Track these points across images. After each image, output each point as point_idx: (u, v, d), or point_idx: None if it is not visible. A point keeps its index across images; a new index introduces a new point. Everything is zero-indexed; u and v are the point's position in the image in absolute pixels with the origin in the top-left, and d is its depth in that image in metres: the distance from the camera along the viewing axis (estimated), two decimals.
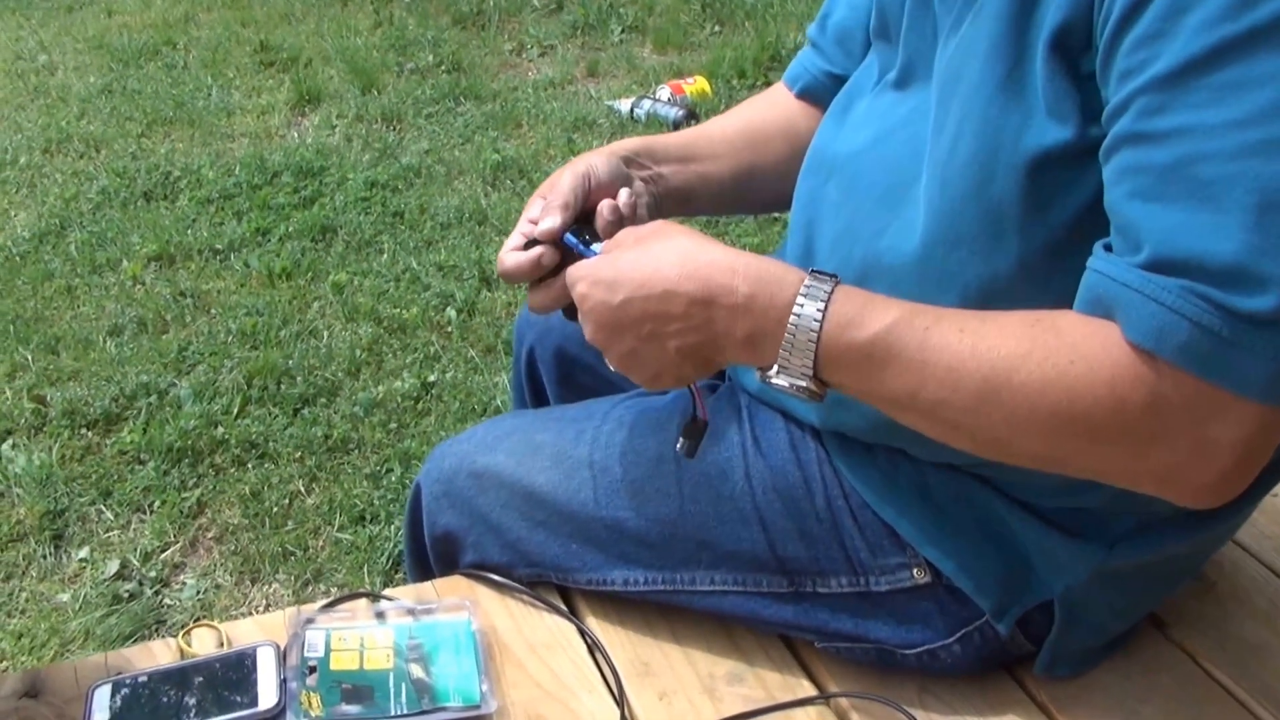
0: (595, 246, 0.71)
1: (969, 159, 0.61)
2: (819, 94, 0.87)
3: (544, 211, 0.73)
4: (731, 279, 0.61)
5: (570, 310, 0.72)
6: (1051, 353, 0.55)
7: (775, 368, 0.60)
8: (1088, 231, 0.58)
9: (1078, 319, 0.56)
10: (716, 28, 3.44)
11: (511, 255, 0.73)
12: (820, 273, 0.60)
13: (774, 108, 0.89)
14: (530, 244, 0.73)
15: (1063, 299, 0.58)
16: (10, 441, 1.70)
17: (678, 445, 0.71)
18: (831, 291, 0.59)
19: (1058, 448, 0.56)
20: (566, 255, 0.72)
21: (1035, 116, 0.58)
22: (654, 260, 0.63)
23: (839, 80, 0.82)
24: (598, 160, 0.77)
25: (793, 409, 0.77)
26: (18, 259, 2.21)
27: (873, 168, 0.69)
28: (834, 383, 0.60)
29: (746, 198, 0.89)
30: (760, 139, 0.87)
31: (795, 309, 0.59)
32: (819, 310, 0.58)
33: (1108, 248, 0.56)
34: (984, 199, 0.60)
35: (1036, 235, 0.60)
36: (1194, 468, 0.54)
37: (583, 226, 0.73)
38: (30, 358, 1.90)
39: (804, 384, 0.60)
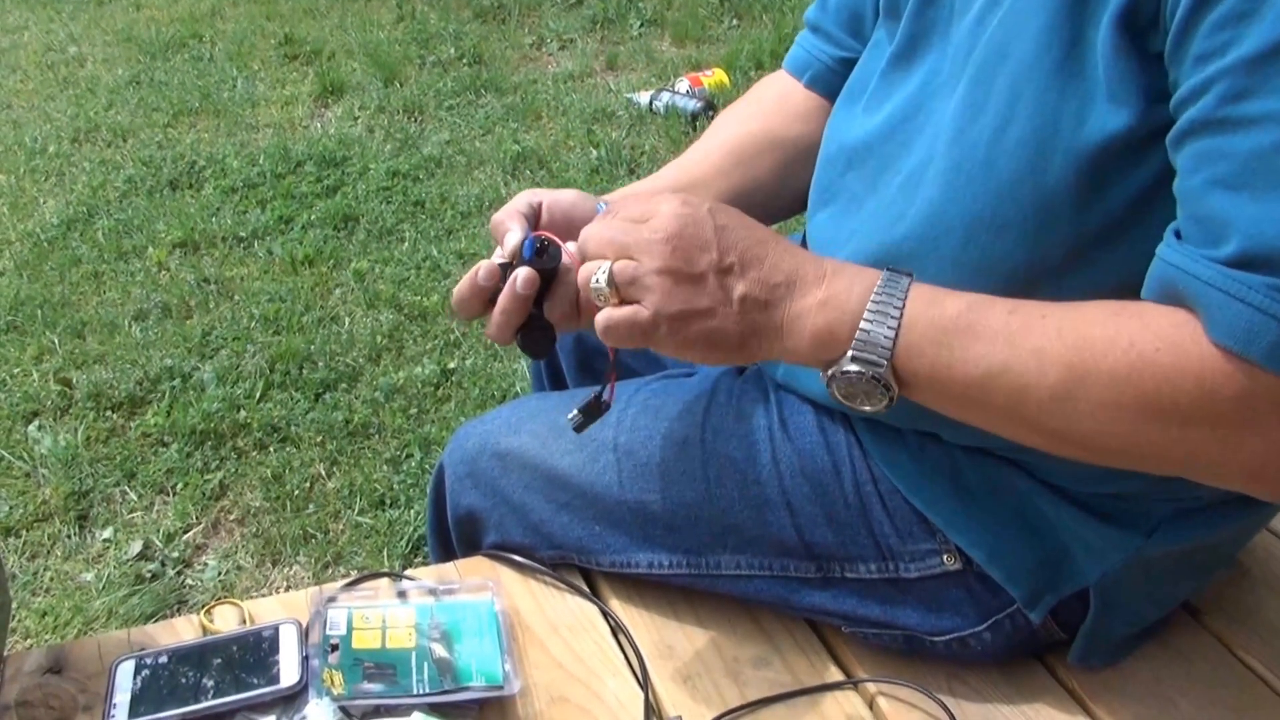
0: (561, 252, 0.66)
1: (1021, 141, 0.59)
2: (831, 81, 0.84)
3: (495, 232, 0.69)
4: (818, 259, 0.60)
5: (527, 343, 0.67)
6: (1138, 340, 0.53)
7: (849, 354, 0.57)
8: (1142, 216, 0.56)
9: (1160, 309, 0.54)
10: (734, 21, 3.43)
11: (456, 290, 0.69)
12: (896, 269, 0.59)
13: (753, 120, 0.86)
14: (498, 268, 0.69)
15: (1112, 283, 0.56)
16: (37, 423, 1.72)
17: (569, 415, 0.68)
18: (911, 278, 0.58)
19: (1145, 437, 0.53)
20: (504, 274, 0.67)
21: (1096, 101, 0.56)
22: (750, 219, 0.61)
23: (850, 64, 0.81)
24: (561, 191, 0.74)
25: (822, 399, 0.75)
26: (46, 245, 2.24)
27: (895, 155, 0.68)
28: (911, 367, 0.57)
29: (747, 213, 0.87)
30: (748, 157, 0.84)
31: (879, 285, 0.58)
32: (902, 289, 0.57)
33: (1177, 234, 0.54)
34: (1037, 183, 0.58)
35: (1090, 221, 0.58)
36: None
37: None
38: (57, 341, 1.92)
39: (881, 368, 0.56)
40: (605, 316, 0.60)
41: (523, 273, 0.66)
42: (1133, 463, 0.56)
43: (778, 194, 0.82)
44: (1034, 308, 0.56)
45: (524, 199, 0.73)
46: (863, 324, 0.57)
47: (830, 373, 0.58)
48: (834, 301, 0.58)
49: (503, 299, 0.66)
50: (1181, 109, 0.53)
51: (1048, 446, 0.58)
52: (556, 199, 0.74)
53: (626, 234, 0.60)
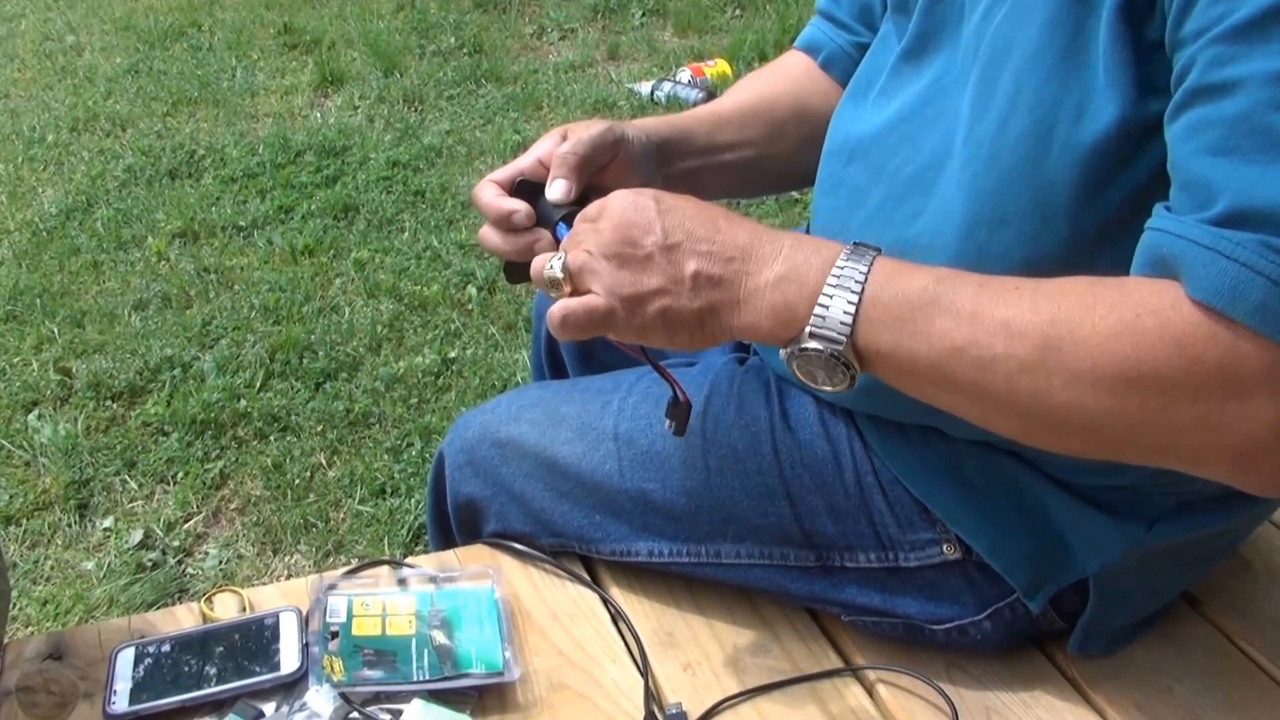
0: None
1: (1022, 134, 0.58)
2: (845, 65, 0.84)
3: (555, 166, 0.69)
4: (778, 233, 0.59)
5: (513, 268, 0.69)
6: (1115, 307, 0.51)
7: (807, 330, 0.56)
8: (1141, 212, 0.55)
9: (1141, 279, 0.52)
10: (737, 11, 3.42)
11: (490, 192, 0.69)
12: (863, 243, 0.58)
13: (782, 83, 0.86)
14: (520, 183, 0.70)
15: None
16: (36, 412, 1.72)
17: (666, 425, 0.69)
18: (877, 253, 0.57)
19: (1123, 412, 0.50)
20: (542, 217, 0.69)
21: (1095, 92, 0.55)
22: (703, 201, 0.61)
23: (864, 50, 0.80)
24: (635, 136, 0.73)
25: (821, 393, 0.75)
26: (45, 235, 2.23)
27: (900, 148, 0.67)
28: (872, 345, 0.55)
29: (755, 182, 0.87)
30: (776, 122, 0.84)
31: (840, 259, 0.56)
32: (865, 264, 0.55)
33: (1168, 209, 0.53)
34: (1036, 177, 0.58)
35: (1088, 215, 0.58)
36: (1275, 445, 0.48)
37: (580, 209, 0.68)
38: (56, 331, 1.91)
39: (840, 345, 0.55)
40: (562, 306, 0.60)
41: (546, 239, 0.68)
42: (1110, 445, 0.53)
43: (794, 165, 0.81)
44: (1006, 280, 0.54)
45: (600, 142, 0.70)
46: (821, 299, 0.55)
47: (789, 350, 0.57)
48: (793, 275, 0.56)
49: (519, 244, 0.68)
50: (1177, 85, 0.52)
51: (1021, 431, 0.55)
52: (629, 159, 0.72)
53: (579, 230, 0.62)
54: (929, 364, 0.55)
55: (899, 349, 0.55)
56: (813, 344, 0.56)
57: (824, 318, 0.55)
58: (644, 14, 3.39)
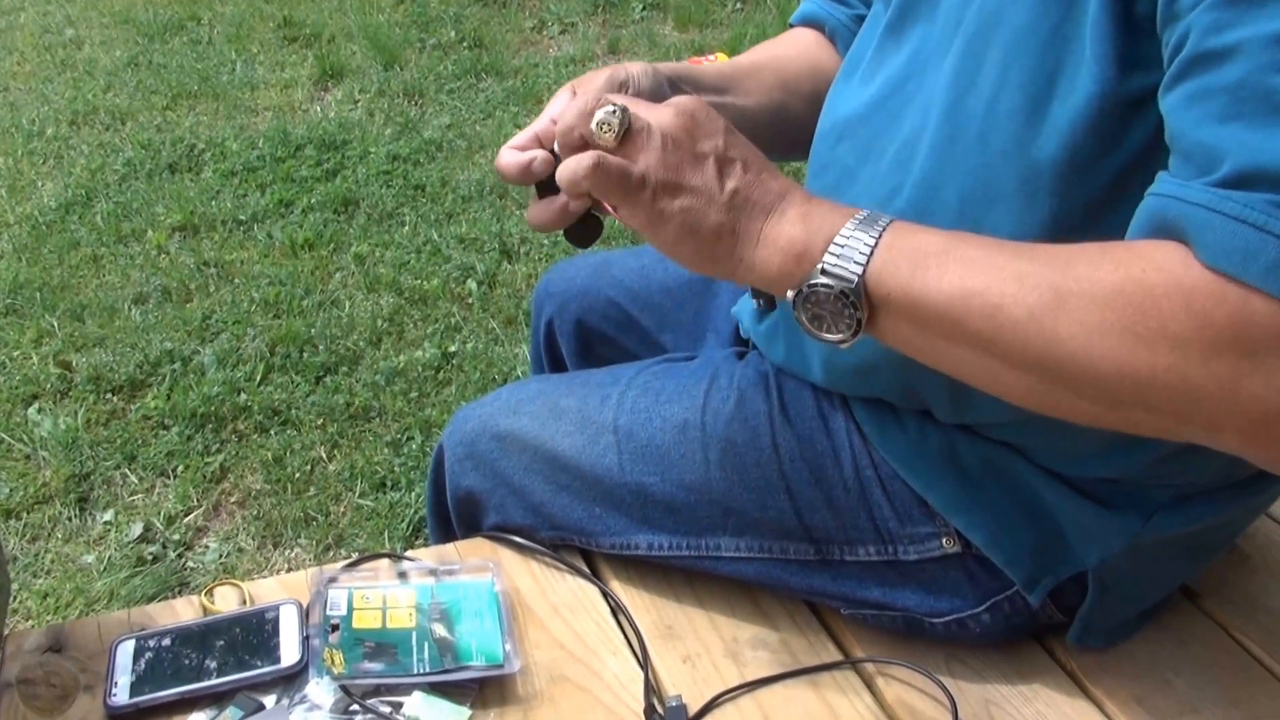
0: None
1: (1013, 111, 0.58)
2: (846, 38, 0.84)
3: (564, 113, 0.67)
4: (808, 193, 0.60)
5: (574, 232, 0.67)
6: (1124, 263, 0.50)
7: (820, 266, 0.55)
8: (1126, 191, 0.56)
9: (1150, 241, 0.51)
10: (738, 5, 3.41)
11: (509, 153, 0.68)
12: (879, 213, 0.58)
13: (795, 45, 0.87)
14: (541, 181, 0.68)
15: None
16: (36, 406, 1.72)
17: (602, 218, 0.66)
18: (893, 219, 0.57)
19: (1134, 363, 0.49)
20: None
21: (1085, 67, 0.56)
22: None
23: (862, 22, 0.80)
24: (639, 72, 0.72)
25: (822, 383, 0.75)
26: (45, 228, 2.23)
27: (887, 126, 0.67)
28: (884, 287, 0.54)
29: (778, 137, 0.85)
30: (789, 76, 0.83)
31: (861, 213, 0.57)
32: (886, 218, 0.56)
33: (1170, 175, 0.52)
34: (1026, 154, 0.58)
35: (1076, 192, 0.58)
36: None
37: None
38: (56, 324, 1.92)
39: (851, 283, 0.54)
40: (599, 157, 0.58)
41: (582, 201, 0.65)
42: (1122, 408, 0.52)
43: (806, 127, 0.80)
44: (1015, 243, 0.55)
45: (605, 90, 0.69)
46: (838, 239, 0.56)
47: (798, 289, 0.56)
48: (813, 218, 0.57)
49: (556, 210, 0.65)
50: (1173, 56, 0.52)
51: (1030, 389, 0.54)
52: (638, 96, 0.70)
53: (643, 112, 0.60)
54: (939, 310, 0.54)
55: (909, 291, 0.54)
56: (823, 280, 0.55)
57: (838, 255, 0.55)
58: (644, 8, 3.38)
